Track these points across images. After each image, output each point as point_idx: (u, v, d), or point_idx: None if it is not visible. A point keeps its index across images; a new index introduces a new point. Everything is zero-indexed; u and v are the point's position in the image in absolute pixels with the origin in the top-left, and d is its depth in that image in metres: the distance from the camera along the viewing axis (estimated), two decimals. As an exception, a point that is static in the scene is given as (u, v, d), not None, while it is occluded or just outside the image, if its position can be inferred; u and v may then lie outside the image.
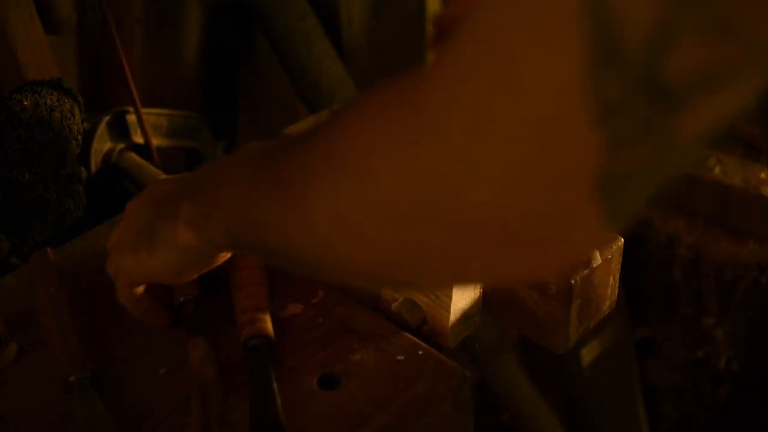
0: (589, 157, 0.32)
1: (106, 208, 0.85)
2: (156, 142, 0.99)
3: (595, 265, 0.67)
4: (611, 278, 0.70)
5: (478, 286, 0.67)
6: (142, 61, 1.12)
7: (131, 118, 0.96)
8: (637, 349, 1.60)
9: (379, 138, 0.38)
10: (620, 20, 0.29)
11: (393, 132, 0.37)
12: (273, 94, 1.32)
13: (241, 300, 0.67)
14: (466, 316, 0.67)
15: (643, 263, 1.52)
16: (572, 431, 1.52)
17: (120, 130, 0.96)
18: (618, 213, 0.34)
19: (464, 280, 0.55)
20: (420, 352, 0.64)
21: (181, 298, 0.68)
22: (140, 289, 0.65)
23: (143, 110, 0.96)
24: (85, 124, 0.88)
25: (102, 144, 0.94)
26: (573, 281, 0.65)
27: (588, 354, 1.51)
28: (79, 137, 0.85)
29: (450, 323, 0.66)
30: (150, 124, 0.98)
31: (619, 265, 0.71)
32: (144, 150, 0.97)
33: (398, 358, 0.64)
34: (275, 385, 0.61)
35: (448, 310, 0.65)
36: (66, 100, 0.83)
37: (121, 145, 0.96)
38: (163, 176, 0.88)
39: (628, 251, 0.70)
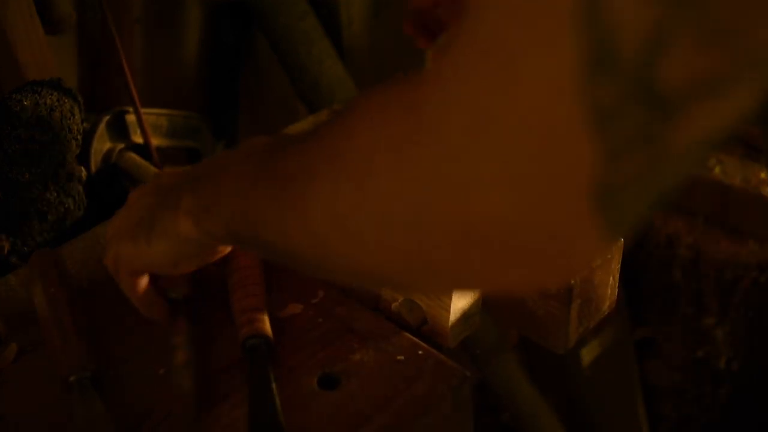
0: (586, 164, 0.31)
1: (106, 208, 0.85)
2: (156, 142, 0.99)
3: (595, 266, 0.67)
4: (611, 278, 0.70)
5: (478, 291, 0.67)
6: (142, 61, 1.12)
7: (131, 118, 0.96)
8: (637, 349, 1.60)
9: (378, 138, 0.38)
10: (614, 25, 0.29)
11: (393, 132, 0.37)
12: (273, 94, 1.32)
13: (238, 300, 0.67)
14: (466, 316, 0.67)
15: (643, 263, 1.52)
16: (572, 431, 1.52)
17: (120, 130, 0.96)
18: (618, 221, 0.33)
19: (463, 285, 0.55)
20: (420, 352, 0.64)
21: (172, 295, 0.68)
22: (143, 279, 0.65)
23: (143, 110, 0.96)
24: (85, 124, 0.88)
25: (102, 144, 0.94)
26: (573, 281, 0.65)
27: (588, 354, 1.51)
28: (79, 137, 0.85)
29: (450, 323, 0.66)
30: (150, 124, 0.98)
31: (619, 265, 0.71)
32: (144, 150, 0.97)
33: (398, 358, 0.64)
34: (274, 385, 0.61)
35: (448, 310, 0.65)
36: (66, 100, 0.83)
37: (121, 145, 0.96)
38: (163, 176, 0.89)
39: (628, 251, 0.70)
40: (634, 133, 0.31)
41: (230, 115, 1.28)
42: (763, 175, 1.38)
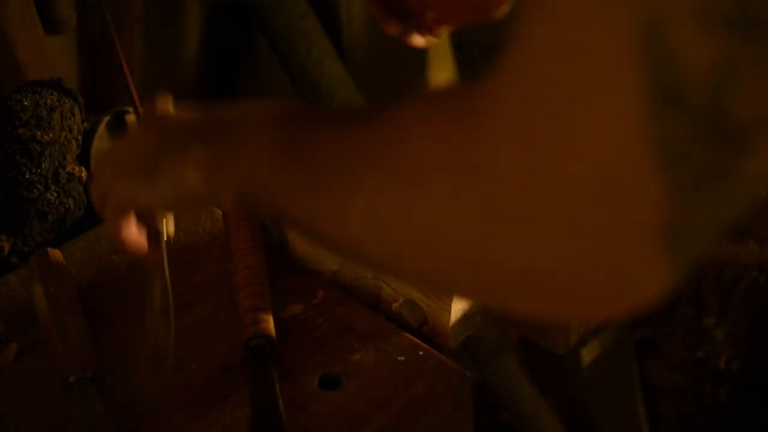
0: (653, 204, 0.30)
1: (106, 208, 0.85)
2: (156, 142, 0.98)
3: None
4: (611, 278, 0.70)
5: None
6: (142, 61, 1.12)
7: (131, 118, 0.96)
8: (637, 349, 1.59)
9: (434, 156, 0.36)
10: (680, 60, 0.28)
11: (449, 155, 0.36)
12: (273, 94, 1.32)
13: (242, 300, 0.67)
14: (467, 316, 0.67)
15: (643, 263, 1.51)
16: (572, 431, 1.52)
17: (120, 130, 0.96)
18: (683, 257, 0.32)
19: (507, 310, 0.54)
20: (420, 353, 0.64)
21: (153, 230, 0.66)
22: (130, 216, 0.62)
23: (143, 110, 0.96)
24: (85, 124, 0.88)
25: (102, 144, 0.94)
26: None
27: (588, 354, 1.51)
28: (79, 137, 0.85)
29: (451, 324, 0.66)
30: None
31: (620, 265, 0.71)
32: (144, 150, 0.97)
33: (398, 358, 0.64)
34: (276, 386, 0.61)
35: (448, 310, 0.65)
36: (66, 100, 0.83)
37: (121, 145, 0.96)
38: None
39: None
40: (704, 170, 0.30)
41: (230, 115, 1.28)
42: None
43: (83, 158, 0.89)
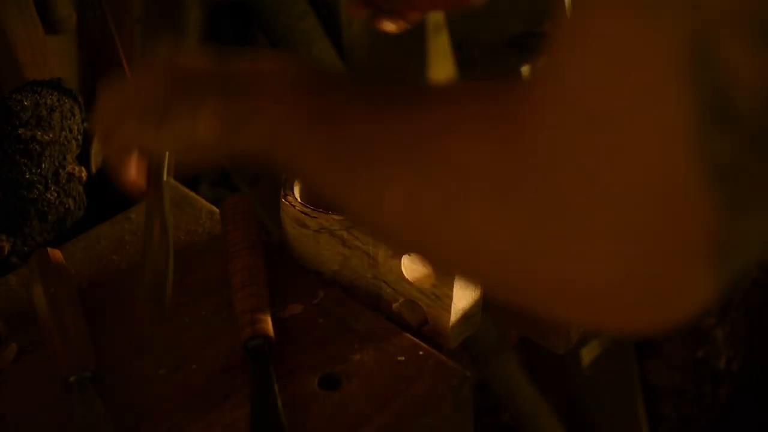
0: (702, 223, 0.30)
1: (106, 208, 0.85)
2: (156, 142, 0.98)
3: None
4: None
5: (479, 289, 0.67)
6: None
7: (131, 118, 0.96)
8: (637, 349, 1.59)
9: (475, 161, 0.36)
10: (729, 77, 0.28)
11: (491, 163, 0.35)
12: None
13: (240, 301, 0.67)
14: (467, 316, 0.67)
15: (643, 263, 1.51)
16: (572, 431, 1.52)
17: (120, 130, 0.96)
18: (726, 275, 0.32)
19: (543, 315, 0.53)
20: (420, 353, 0.64)
21: (153, 162, 0.65)
22: (134, 154, 0.61)
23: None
24: (85, 124, 0.88)
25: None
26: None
27: (588, 354, 1.51)
28: (79, 137, 0.85)
29: (451, 324, 0.66)
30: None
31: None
32: (144, 150, 0.97)
33: (399, 358, 0.64)
34: (276, 386, 0.61)
35: (448, 310, 0.65)
36: (66, 100, 0.83)
37: (121, 145, 0.96)
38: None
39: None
40: (753, 187, 0.30)
41: (230, 115, 1.28)
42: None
43: (83, 158, 0.89)
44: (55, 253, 0.74)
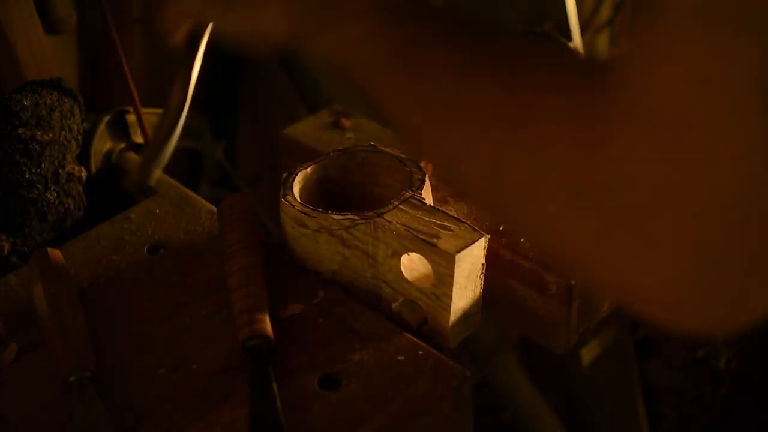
0: None
1: (106, 208, 0.85)
2: (156, 142, 0.98)
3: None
4: (611, 278, 0.70)
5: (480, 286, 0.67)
6: (142, 61, 1.12)
7: (131, 118, 0.96)
8: (637, 349, 1.60)
9: (556, 154, 0.37)
10: None
11: (569, 166, 0.36)
12: (273, 94, 1.32)
13: (238, 301, 0.67)
14: (467, 315, 0.67)
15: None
16: (572, 431, 1.52)
17: (120, 130, 0.96)
18: None
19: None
20: (420, 352, 0.64)
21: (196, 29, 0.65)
22: (187, 24, 0.61)
23: (143, 110, 0.96)
24: (85, 124, 0.88)
25: (102, 144, 0.94)
26: (573, 281, 0.65)
27: (588, 354, 1.51)
28: (79, 137, 0.85)
29: (450, 323, 0.66)
30: (150, 124, 0.98)
31: (620, 265, 0.71)
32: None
33: (398, 358, 0.64)
34: (275, 386, 0.61)
35: (448, 310, 0.65)
36: (66, 100, 0.83)
37: (121, 145, 0.96)
38: (162, 176, 0.88)
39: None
40: None
41: (230, 115, 1.28)
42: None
43: (83, 158, 0.89)
44: (55, 253, 0.74)
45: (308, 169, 0.75)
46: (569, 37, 1.08)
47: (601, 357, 1.53)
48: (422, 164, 0.72)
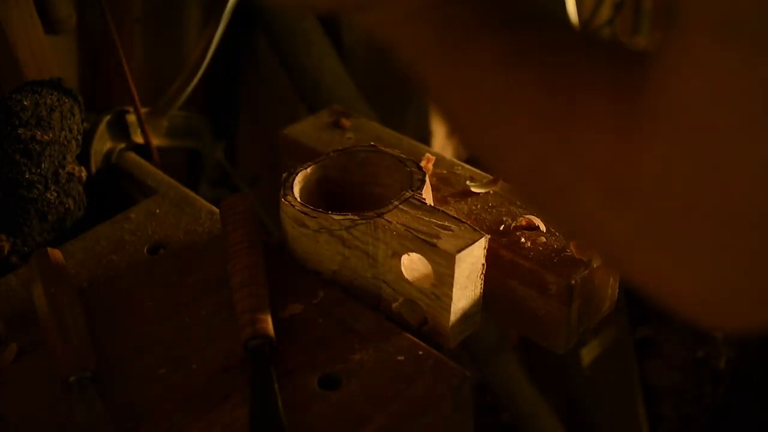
0: None
1: (106, 208, 0.85)
2: (156, 142, 0.99)
3: (595, 266, 0.67)
4: (611, 278, 0.70)
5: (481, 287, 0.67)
6: (142, 61, 1.12)
7: (131, 118, 0.96)
8: (637, 349, 1.60)
9: (593, 154, 0.37)
10: None
11: (605, 168, 0.37)
12: (273, 94, 1.32)
13: (241, 300, 0.67)
14: (467, 315, 0.67)
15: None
16: (572, 431, 1.52)
17: (120, 130, 0.96)
18: None
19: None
20: (420, 352, 0.64)
21: None
22: None
23: (143, 110, 0.96)
24: (85, 124, 0.88)
25: (102, 144, 0.94)
26: (573, 281, 0.65)
27: (588, 354, 1.51)
28: (79, 137, 0.85)
29: (450, 323, 0.66)
30: (150, 124, 0.98)
31: (620, 265, 0.71)
32: (144, 150, 0.97)
33: (398, 358, 0.64)
34: (276, 386, 0.61)
35: (448, 310, 0.65)
36: (66, 100, 0.83)
37: (122, 145, 0.96)
38: (162, 176, 0.89)
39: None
40: None
41: (230, 115, 1.28)
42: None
43: (83, 158, 0.89)
44: (55, 253, 0.74)
45: (308, 169, 0.75)
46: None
47: (601, 357, 1.53)
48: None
